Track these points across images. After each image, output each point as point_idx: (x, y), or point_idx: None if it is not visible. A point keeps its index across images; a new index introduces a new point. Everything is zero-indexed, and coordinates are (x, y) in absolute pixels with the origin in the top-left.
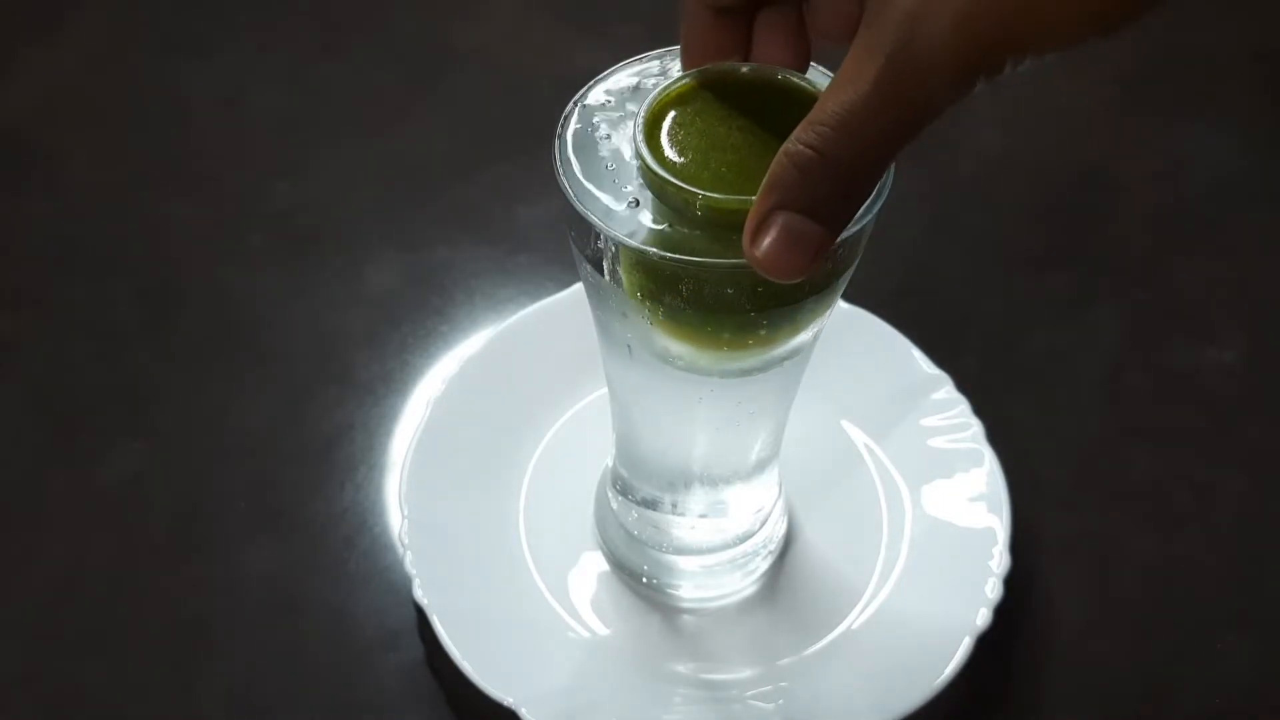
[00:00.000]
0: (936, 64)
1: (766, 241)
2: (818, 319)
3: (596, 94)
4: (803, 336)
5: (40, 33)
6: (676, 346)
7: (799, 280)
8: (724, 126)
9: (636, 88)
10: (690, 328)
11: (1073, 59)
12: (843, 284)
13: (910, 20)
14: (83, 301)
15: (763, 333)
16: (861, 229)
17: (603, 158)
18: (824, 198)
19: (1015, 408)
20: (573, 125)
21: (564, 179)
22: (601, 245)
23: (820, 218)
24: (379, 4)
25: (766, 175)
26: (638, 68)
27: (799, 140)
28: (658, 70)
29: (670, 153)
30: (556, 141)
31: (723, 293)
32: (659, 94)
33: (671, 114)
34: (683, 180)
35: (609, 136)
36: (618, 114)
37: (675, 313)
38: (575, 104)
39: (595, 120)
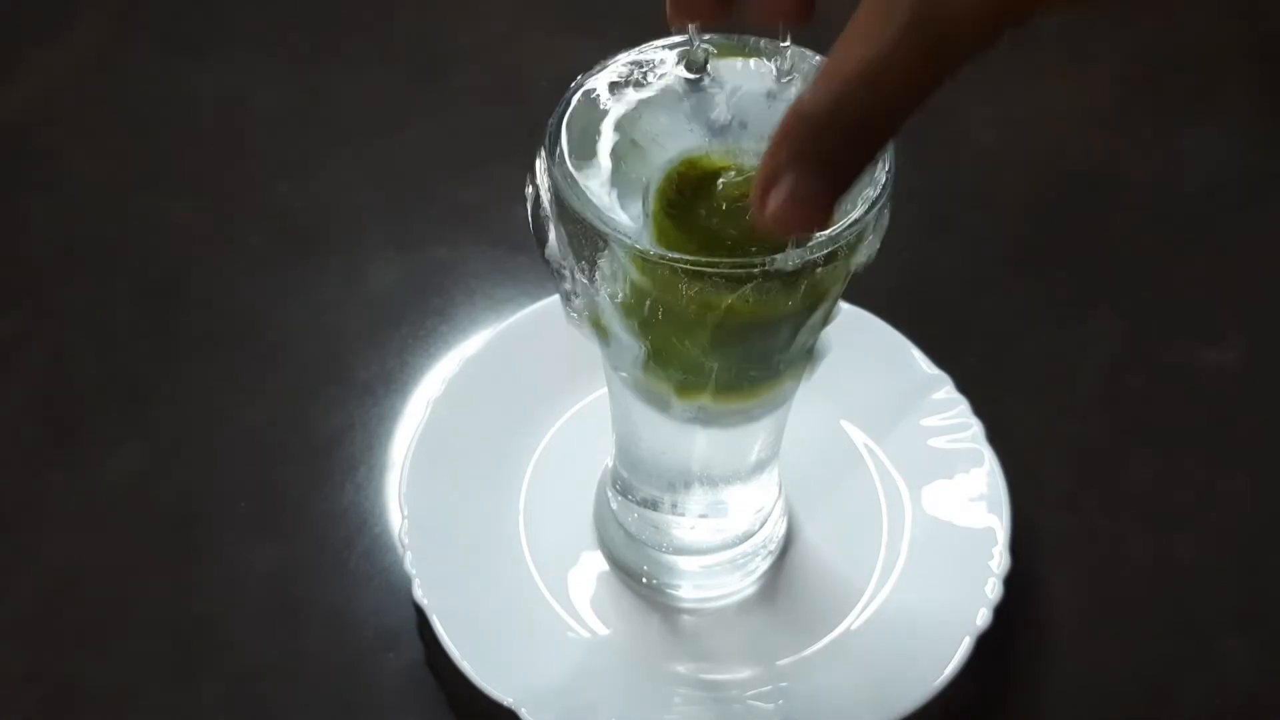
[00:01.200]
0: (961, 15)
1: (778, 198)
2: (799, 365)
3: (582, 96)
4: (786, 386)
5: (41, 33)
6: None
7: (811, 233)
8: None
9: (624, 86)
10: (679, 373)
11: (1072, 58)
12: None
13: None
14: (83, 301)
15: (747, 386)
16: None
17: (598, 159)
18: (836, 151)
19: (1015, 408)
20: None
21: (572, 193)
22: (600, 259)
23: (832, 172)
24: (379, 4)
25: (777, 128)
26: (618, 67)
27: (813, 93)
28: (641, 65)
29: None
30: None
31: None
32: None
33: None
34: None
35: (601, 136)
36: (607, 113)
37: (666, 337)
38: (568, 97)
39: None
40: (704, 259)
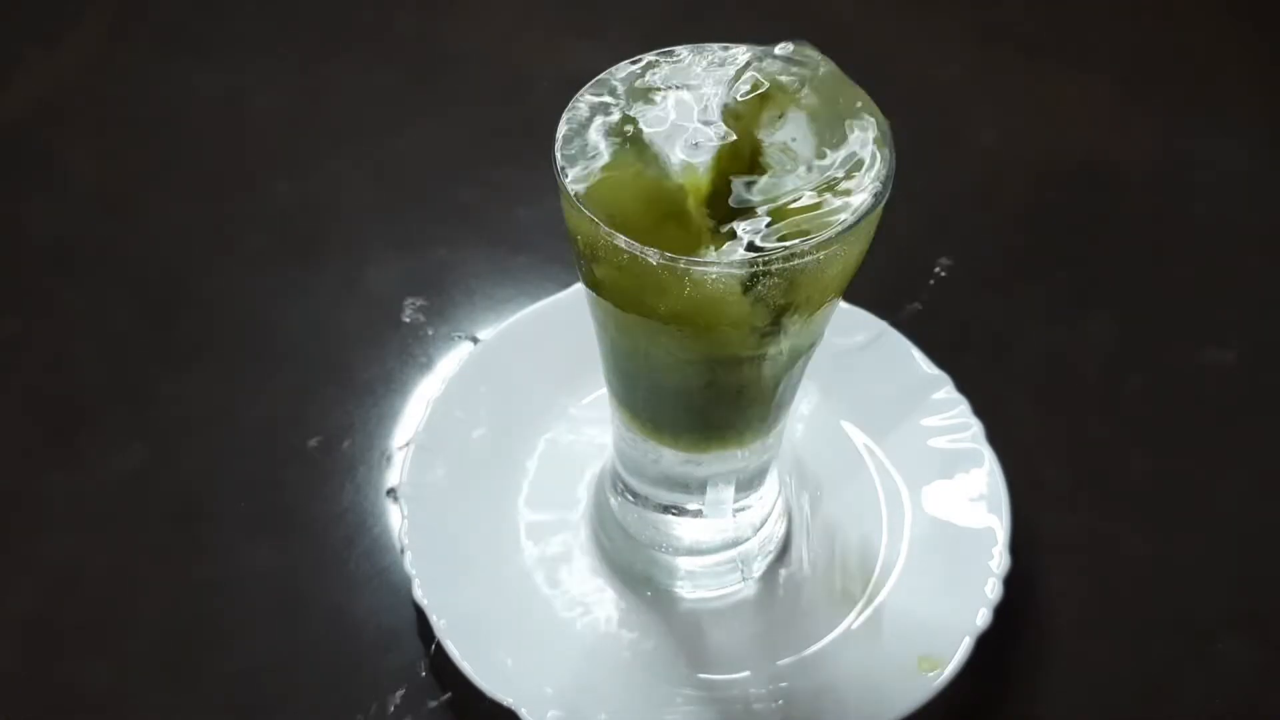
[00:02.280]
0: None
1: None
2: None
3: (595, 94)
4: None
5: (42, 33)
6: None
7: None
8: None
9: (634, 88)
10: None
11: (1072, 58)
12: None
13: None
14: (83, 301)
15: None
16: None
17: (601, 157)
18: None
19: (1015, 408)
20: (573, 125)
21: (564, 179)
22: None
23: None
24: (379, 4)
25: None
26: (635, 68)
27: None
28: (655, 71)
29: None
30: (558, 141)
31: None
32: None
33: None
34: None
35: (607, 137)
36: (616, 115)
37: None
38: (574, 104)
39: (594, 121)
40: (701, 260)
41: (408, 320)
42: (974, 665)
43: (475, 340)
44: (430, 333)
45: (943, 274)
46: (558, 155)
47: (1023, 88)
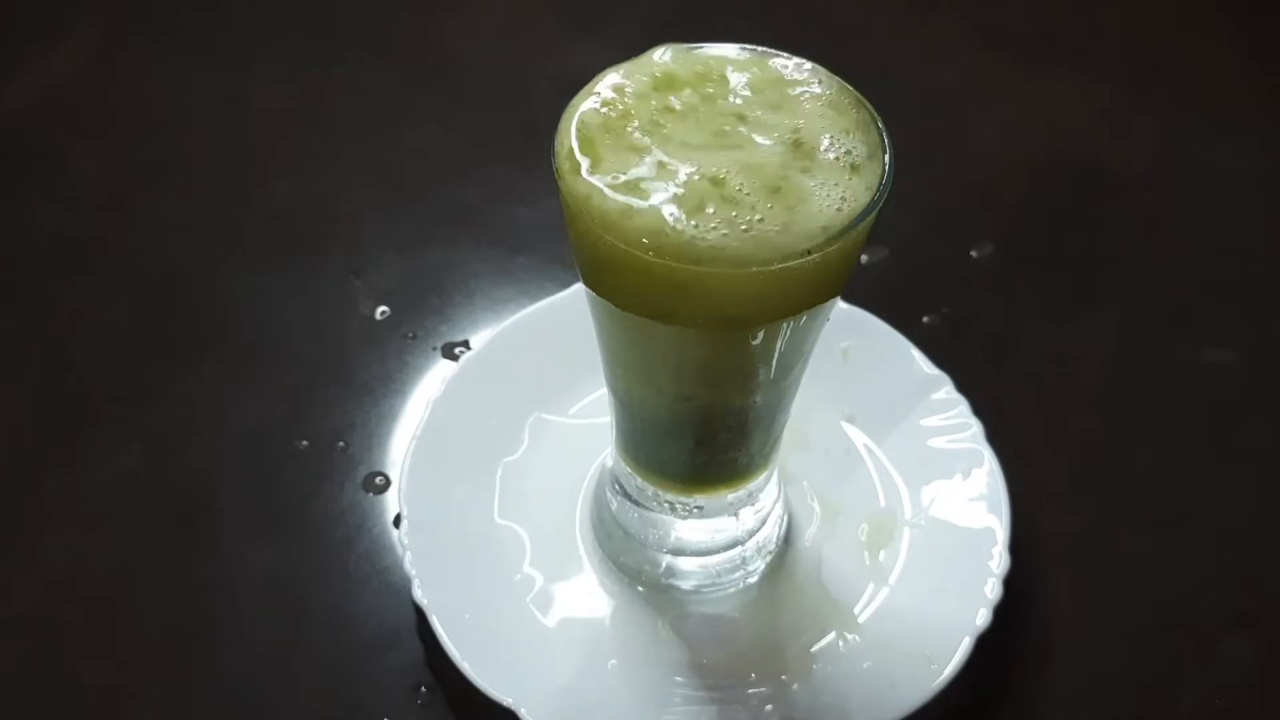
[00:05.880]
0: None
1: None
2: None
3: (595, 93)
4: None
5: (42, 33)
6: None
7: None
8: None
9: (634, 87)
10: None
11: (1073, 58)
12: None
13: None
14: (83, 301)
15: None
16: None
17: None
18: None
19: (1015, 408)
20: (573, 125)
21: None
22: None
23: None
24: (379, 4)
25: None
26: (636, 67)
27: None
28: (655, 70)
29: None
30: (558, 142)
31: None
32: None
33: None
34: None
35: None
36: (616, 114)
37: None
38: (574, 104)
39: (594, 120)
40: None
41: (407, 320)
42: (974, 665)
43: (474, 340)
44: (430, 333)
45: (943, 274)
46: (557, 156)
47: (1023, 88)
